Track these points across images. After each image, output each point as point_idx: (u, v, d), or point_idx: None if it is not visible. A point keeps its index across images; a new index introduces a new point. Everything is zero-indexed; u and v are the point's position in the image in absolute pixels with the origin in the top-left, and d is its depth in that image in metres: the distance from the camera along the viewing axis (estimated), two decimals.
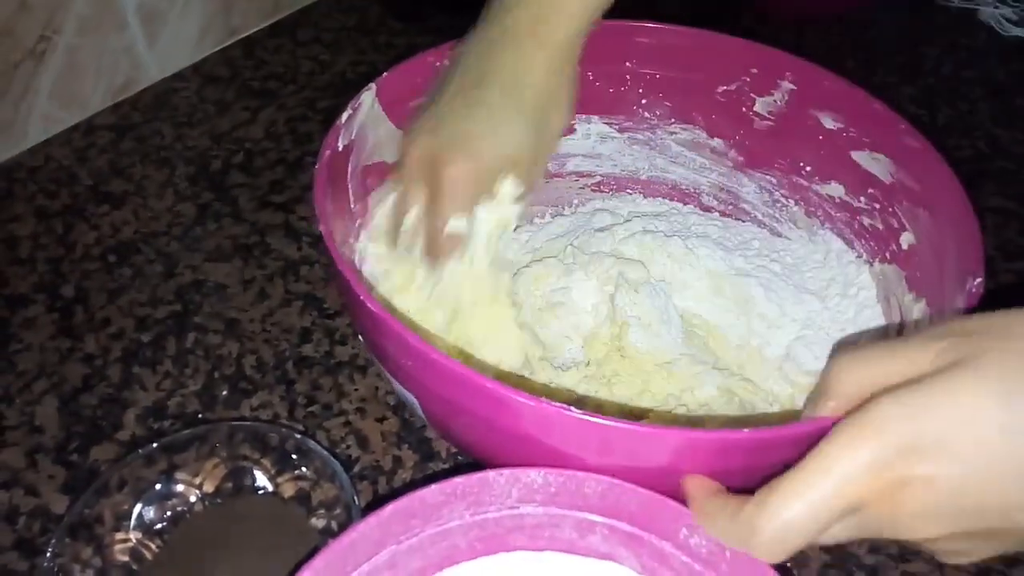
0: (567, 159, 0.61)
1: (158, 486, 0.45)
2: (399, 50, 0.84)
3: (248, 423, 0.48)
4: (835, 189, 0.55)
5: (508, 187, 0.47)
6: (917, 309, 0.46)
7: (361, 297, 0.37)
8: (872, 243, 0.53)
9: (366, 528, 0.34)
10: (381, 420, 0.53)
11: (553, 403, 0.33)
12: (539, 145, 0.48)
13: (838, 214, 0.55)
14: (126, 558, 0.43)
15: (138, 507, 0.45)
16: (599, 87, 0.56)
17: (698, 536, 0.35)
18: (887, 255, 0.52)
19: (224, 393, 0.53)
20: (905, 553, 0.48)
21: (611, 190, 0.63)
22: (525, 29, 0.46)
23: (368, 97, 0.49)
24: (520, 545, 0.37)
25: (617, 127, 0.59)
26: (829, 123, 0.54)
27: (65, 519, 0.42)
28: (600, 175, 0.62)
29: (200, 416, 0.52)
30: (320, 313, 0.59)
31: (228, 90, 0.78)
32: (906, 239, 0.50)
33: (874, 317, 0.51)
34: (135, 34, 0.73)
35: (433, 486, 0.35)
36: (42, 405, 0.52)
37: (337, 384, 0.54)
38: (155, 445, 0.45)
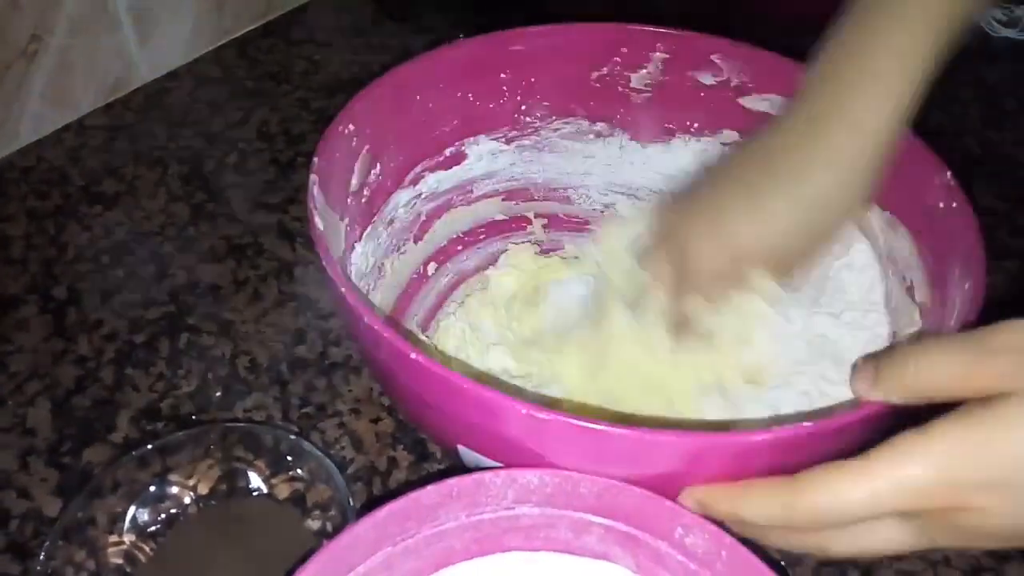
0: (471, 185, 0.57)
1: (152, 488, 0.45)
2: (392, 50, 0.83)
3: (242, 424, 0.48)
4: (728, 136, 0.55)
5: (765, 285, 0.43)
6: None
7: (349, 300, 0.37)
8: None
9: (361, 530, 0.34)
10: (376, 421, 0.53)
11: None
12: (809, 243, 0.42)
13: None
14: (120, 560, 0.43)
15: (132, 509, 0.44)
16: (479, 105, 0.54)
17: (693, 536, 0.35)
18: None
19: (218, 394, 0.53)
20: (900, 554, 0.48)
21: (519, 200, 0.60)
22: (836, 134, 0.40)
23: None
24: (516, 546, 0.37)
25: (504, 139, 0.56)
26: (709, 79, 0.54)
27: (58, 522, 0.42)
28: (503, 191, 0.59)
29: (194, 417, 0.52)
30: (314, 314, 0.58)
31: (221, 90, 0.77)
32: None
33: None
34: (127, 34, 0.72)
35: (429, 487, 0.35)
36: (35, 407, 0.52)
37: (331, 385, 0.54)
38: (149, 447, 0.45)
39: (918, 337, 0.45)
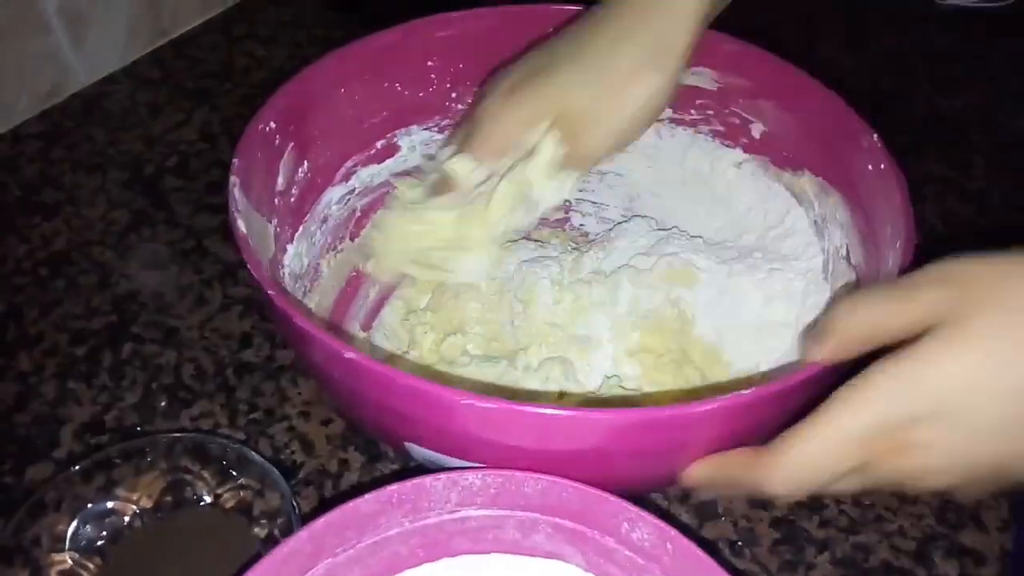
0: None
1: (95, 503, 0.44)
2: (337, 42, 0.82)
3: (188, 434, 0.47)
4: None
5: (547, 145, 0.43)
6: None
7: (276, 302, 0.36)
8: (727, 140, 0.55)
9: (298, 543, 0.33)
10: (326, 423, 0.52)
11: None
12: (603, 107, 0.43)
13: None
14: None
15: (74, 525, 0.44)
16: (408, 95, 0.53)
17: (639, 530, 0.34)
18: (744, 146, 0.54)
19: (163, 404, 0.52)
20: (855, 525, 0.48)
21: None
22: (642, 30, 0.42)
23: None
24: (464, 549, 0.37)
25: (436, 128, 0.56)
26: None
27: None
28: None
29: (139, 429, 0.51)
30: (260, 317, 0.57)
31: (161, 92, 0.76)
32: (756, 129, 0.53)
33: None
34: (59, 38, 0.70)
35: (368, 495, 0.34)
36: None
37: (279, 389, 0.53)
38: (90, 461, 0.44)
39: (851, 291, 0.45)
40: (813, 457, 0.32)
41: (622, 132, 0.44)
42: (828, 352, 0.34)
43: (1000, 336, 0.30)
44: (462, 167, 0.45)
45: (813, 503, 0.49)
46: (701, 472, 0.37)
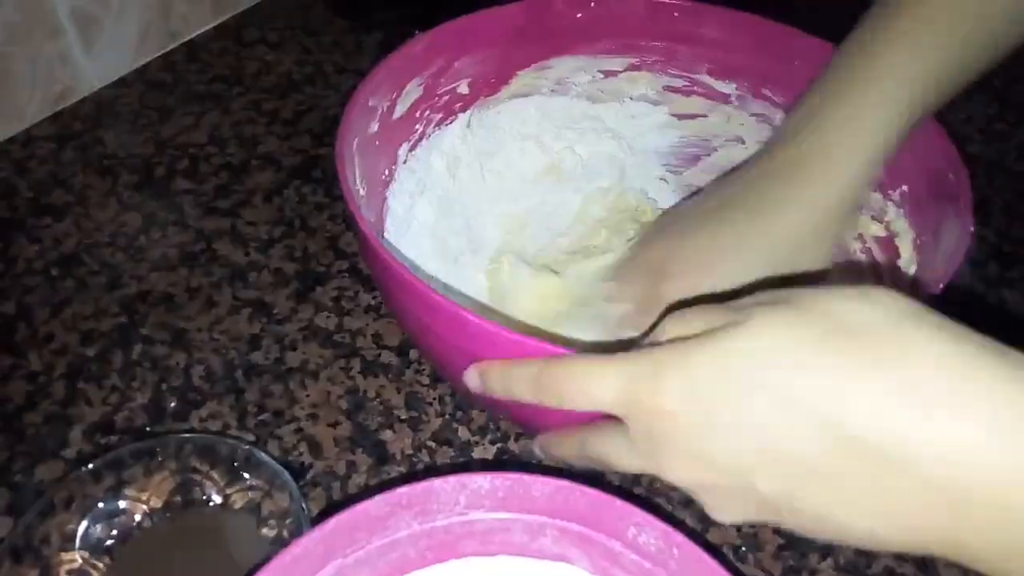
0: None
1: (105, 503, 0.45)
2: (346, 48, 0.83)
3: (197, 435, 0.48)
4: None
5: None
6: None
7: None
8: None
9: (308, 543, 0.33)
10: (334, 425, 0.52)
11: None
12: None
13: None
14: None
15: (84, 525, 0.44)
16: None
17: (646, 534, 0.35)
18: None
19: (172, 405, 0.53)
20: None
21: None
22: (806, 159, 0.42)
23: None
24: (472, 551, 0.37)
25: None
26: None
27: (7, 541, 0.42)
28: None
29: (148, 430, 0.51)
30: (269, 319, 0.58)
31: (171, 95, 0.76)
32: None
33: None
34: (70, 41, 0.71)
35: (377, 497, 0.35)
36: None
37: (288, 391, 0.54)
38: (101, 461, 0.45)
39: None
40: (579, 379, 0.33)
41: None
42: None
43: (763, 335, 0.29)
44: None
45: None
46: (485, 368, 0.38)
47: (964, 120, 0.78)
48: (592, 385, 0.33)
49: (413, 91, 0.54)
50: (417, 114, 0.55)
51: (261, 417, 0.52)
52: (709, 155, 0.63)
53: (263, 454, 0.45)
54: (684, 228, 0.46)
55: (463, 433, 0.52)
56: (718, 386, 0.30)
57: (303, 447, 0.51)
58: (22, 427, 0.51)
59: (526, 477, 0.36)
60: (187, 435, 0.47)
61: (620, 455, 0.35)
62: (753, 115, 0.59)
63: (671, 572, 0.34)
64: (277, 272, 0.61)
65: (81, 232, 0.63)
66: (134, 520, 0.45)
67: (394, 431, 0.52)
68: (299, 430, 0.52)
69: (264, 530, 0.44)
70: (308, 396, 0.53)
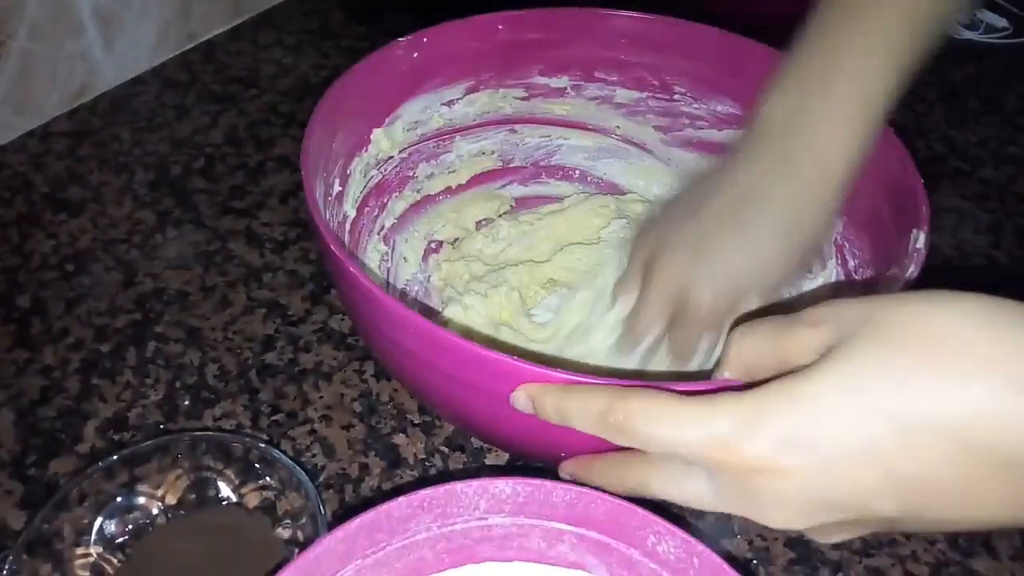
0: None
1: (119, 499, 0.45)
2: (362, 54, 0.83)
3: (211, 433, 0.48)
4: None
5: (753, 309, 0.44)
6: None
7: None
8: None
9: (331, 543, 0.33)
10: (347, 427, 0.52)
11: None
12: (793, 268, 0.45)
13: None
14: (87, 573, 0.43)
15: (99, 521, 0.44)
16: None
17: (665, 543, 0.35)
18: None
19: (186, 403, 0.53)
20: (868, 548, 0.49)
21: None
22: (805, 164, 0.42)
23: None
24: (489, 556, 0.37)
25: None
26: None
27: (23, 535, 0.42)
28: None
29: (162, 427, 0.52)
30: (283, 320, 0.58)
31: (188, 95, 0.77)
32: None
33: None
34: (91, 38, 0.71)
35: (400, 499, 0.35)
36: None
37: (302, 392, 0.54)
38: (116, 457, 0.45)
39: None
40: (672, 430, 0.32)
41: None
42: (726, 371, 0.35)
43: (864, 364, 0.29)
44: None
45: None
46: (534, 392, 0.37)
47: (976, 144, 0.79)
48: (673, 432, 0.32)
49: (319, 193, 0.49)
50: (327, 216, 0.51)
51: (275, 417, 0.52)
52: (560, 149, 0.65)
53: (279, 453, 0.45)
54: (689, 234, 0.45)
55: (475, 439, 0.52)
56: (831, 423, 0.29)
57: (316, 448, 0.51)
58: (36, 421, 0.51)
59: (547, 483, 0.36)
60: (201, 433, 0.47)
61: (701, 500, 0.33)
62: (591, 99, 0.62)
63: None
64: (292, 274, 0.61)
65: (97, 228, 0.64)
66: (148, 517, 0.45)
67: (407, 435, 0.52)
68: (312, 431, 0.52)
69: (279, 530, 0.44)
70: (322, 398, 0.54)
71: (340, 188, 0.52)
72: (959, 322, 0.29)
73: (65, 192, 0.66)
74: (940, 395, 0.28)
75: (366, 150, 0.55)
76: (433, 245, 0.62)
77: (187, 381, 0.54)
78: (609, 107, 0.62)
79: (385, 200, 0.58)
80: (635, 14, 0.56)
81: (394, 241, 0.59)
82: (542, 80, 0.60)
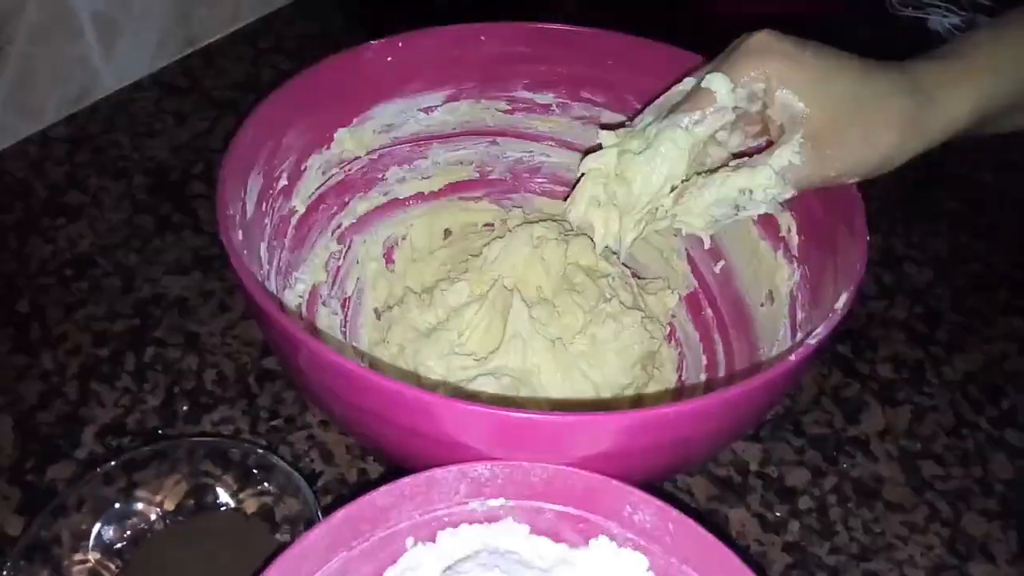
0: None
1: (117, 505, 0.45)
2: None
3: (209, 439, 0.48)
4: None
5: (788, 150, 0.43)
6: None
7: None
8: None
9: (316, 536, 0.34)
10: (345, 433, 0.52)
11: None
12: (855, 133, 0.44)
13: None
14: None
15: (97, 526, 0.44)
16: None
17: (641, 512, 0.36)
18: None
19: (184, 408, 0.53)
20: (866, 552, 0.49)
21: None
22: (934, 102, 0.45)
23: None
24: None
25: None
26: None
27: (21, 541, 0.42)
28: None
29: (160, 432, 0.52)
30: None
31: (187, 100, 0.77)
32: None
33: None
34: (90, 43, 0.71)
35: (382, 488, 0.35)
36: None
37: (300, 397, 0.54)
38: (114, 463, 0.45)
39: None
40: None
41: (867, 166, 0.45)
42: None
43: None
44: (719, 84, 0.44)
45: (824, 529, 0.50)
46: None
47: (975, 150, 0.79)
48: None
49: (254, 184, 0.49)
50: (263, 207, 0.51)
51: (273, 423, 0.52)
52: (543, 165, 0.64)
53: (277, 458, 0.45)
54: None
55: None
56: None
57: (314, 454, 0.51)
58: (35, 426, 0.51)
59: (524, 464, 0.36)
60: (200, 439, 0.47)
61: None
62: (576, 119, 0.61)
63: (667, 547, 0.35)
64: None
65: (95, 233, 0.64)
66: (147, 522, 0.45)
67: None
68: (311, 437, 0.52)
69: (278, 535, 0.44)
70: None
71: (287, 183, 0.52)
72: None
73: (64, 197, 0.66)
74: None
75: (327, 148, 0.54)
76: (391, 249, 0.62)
77: (185, 386, 0.54)
78: (595, 128, 0.60)
79: (347, 199, 0.57)
80: (622, 35, 0.55)
81: (351, 240, 0.58)
82: (526, 95, 0.59)
